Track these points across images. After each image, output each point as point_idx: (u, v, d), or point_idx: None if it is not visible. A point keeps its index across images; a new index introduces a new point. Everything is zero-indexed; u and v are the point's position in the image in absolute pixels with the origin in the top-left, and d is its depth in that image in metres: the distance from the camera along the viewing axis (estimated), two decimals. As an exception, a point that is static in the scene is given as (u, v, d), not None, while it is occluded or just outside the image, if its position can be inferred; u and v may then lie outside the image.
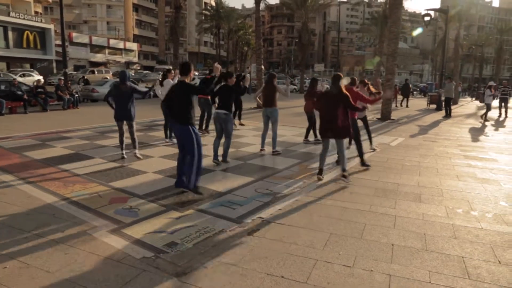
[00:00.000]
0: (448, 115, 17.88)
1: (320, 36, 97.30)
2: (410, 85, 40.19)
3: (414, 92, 39.26)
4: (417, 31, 15.83)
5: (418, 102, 27.98)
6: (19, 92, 15.16)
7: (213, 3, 72.22)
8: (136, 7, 67.76)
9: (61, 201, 4.86)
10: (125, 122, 7.38)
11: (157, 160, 7.36)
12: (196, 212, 4.61)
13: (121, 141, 7.46)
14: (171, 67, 12.37)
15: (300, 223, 4.32)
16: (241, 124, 12.25)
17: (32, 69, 31.57)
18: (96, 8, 63.00)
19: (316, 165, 7.09)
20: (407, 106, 23.29)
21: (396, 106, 22.41)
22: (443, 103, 18.89)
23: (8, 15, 33.31)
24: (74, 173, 6.26)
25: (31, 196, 5.05)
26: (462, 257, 3.58)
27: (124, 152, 7.41)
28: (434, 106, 21.77)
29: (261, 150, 8.26)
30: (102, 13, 63.38)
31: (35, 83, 18.00)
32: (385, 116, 15.37)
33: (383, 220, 4.45)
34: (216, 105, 7.13)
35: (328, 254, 3.57)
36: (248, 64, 65.42)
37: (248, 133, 10.77)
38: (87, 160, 7.24)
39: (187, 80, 5.28)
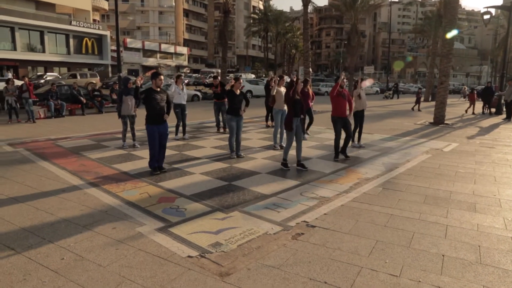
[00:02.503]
0: (508, 118, 16.73)
1: (370, 37, 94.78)
2: (466, 88, 38.14)
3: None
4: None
5: (476, 106, 26.33)
6: (80, 96, 16.17)
7: (261, 7, 72.94)
8: (186, 13, 69.93)
9: (114, 199, 5.12)
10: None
11: (204, 161, 7.54)
12: (241, 213, 4.66)
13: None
14: (181, 74, 13.12)
15: (345, 228, 4.23)
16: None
17: (91, 71, 33.55)
18: (149, 15, 65.79)
19: (364, 169, 6.94)
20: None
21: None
22: (503, 106, 17.65)
23: (70, 24, 35.70)
24: (126, 172, 6.58)
25: (87, 193, 5.37)
26: (522, 272, 3.33)
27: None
28: (493, 110, 20.40)
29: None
30: (154, 19, 66.07)
31: (90, 87, 19.12)
32: (439, 120, 14.66)
33: (433, 229, 4.25)
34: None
35: (373, 261, 3.47)
36: (296, 67, 65.22)
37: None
38: (138, 160, 7.56)
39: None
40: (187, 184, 5.93)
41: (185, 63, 62.85)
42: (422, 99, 23.58)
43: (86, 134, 10.75)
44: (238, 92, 7.83)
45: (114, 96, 17.34)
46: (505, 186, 6.08)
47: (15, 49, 31.80)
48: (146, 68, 51.23)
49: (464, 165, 7.52)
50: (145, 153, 8.25)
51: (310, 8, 20.63)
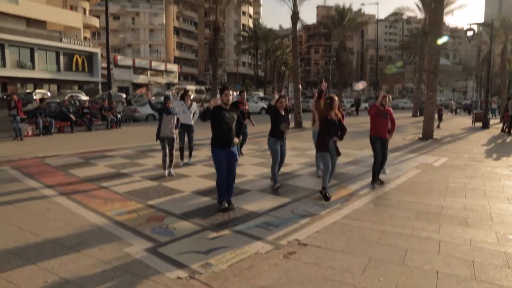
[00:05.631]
0: (509, 132, 16.92)
1: (358, 54, 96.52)
2: (453, 102, 38.70)
3: (458, 110, 37.68)
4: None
5: (462, 120, 26.81)
6: (69, 114, 16.02)
7: (251, 25, 73.88)
8: (177, 30, 70.46)
9: (101, 218, 5.00)
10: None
11: (194, 179, 7.45)
12: (232, 233, 4.57)
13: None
14: (189, 89, 12.18)
15: (337, 246, 4.17)
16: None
17: (79, 91, 33.38)
18: (139, 32, 66.14)
19: (355, 186, 6.92)
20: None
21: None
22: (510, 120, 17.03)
23: (61, 41, 35.69)
24: (114, 191, 6.45)
25: (73, 212, 5.24)
26: (516, 288, 3.29)
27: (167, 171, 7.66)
28: (479, 124, 20.72)
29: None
30: (145, 36, 66.40)
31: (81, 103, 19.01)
32: (427, 135, 14.81)
33: (426, 245, 4.21)
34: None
35: (367, 280, 3.40)
36: (286, 83, 65.78)
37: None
38: (127, 178, 7.45)
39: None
40: (177, 202, 5.84)
41: (176, 80, 63.01)
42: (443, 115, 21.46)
43: (74, 152, 10.59)
44: (283, 111, 6.66)
45: (106, 114, 17.26)
46: (495, 200, 6.10)
47: (4, 66, 31.60)
48: (137, 86, 51.17)
49: (454, 180, 7.55)
50: (134, 169, 8.14)
51: (299, 25, 20.93)
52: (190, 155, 9.07)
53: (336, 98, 6.06)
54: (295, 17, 19.53)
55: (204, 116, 5.28)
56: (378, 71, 50.93)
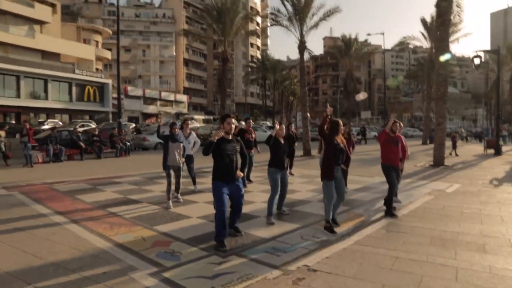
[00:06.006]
0: None
1: (365, 83, 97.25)
2: (463, 129, 38.36)
3: (468, 138, 37.32)
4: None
5: (473, 148, 26.47)
6: (79, 141, 16.20)
7: (259, 56, 75.35)
8: (186, 62, 72.09)
9: (106, 243, 4.90)
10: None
11: (201, 205, 7.34)
12: (239, 258, 4.43)
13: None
14: (188, 118, 11.60)
15: (349, 272, 4.00)
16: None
17: (90, 120, 33.91)
18: (150, 64, 67.80)
19: (366, 213, 6.73)
20: None
21: None
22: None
23: (73, 72, 36.66)
24: (121, 216, 6.38)
25: (79, 236, 5.16)
26: (542, 317, 3.08)
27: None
28: (491, 151, 20.43)
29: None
30: (155, 68, 68.00)
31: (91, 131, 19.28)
32: (438, 161, 14.58)
33: (443, 272, 4.01)
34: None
35: (381, 307, 3.22)
36: (294, 113, 66.20)
37: (294, 180, 10.57)
38: (134, 204, 7.37)
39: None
40: (184, 227, 5.72)
41: (185, 110, 63.87)
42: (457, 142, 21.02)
43: (83, 178, 10.60)
44: (282, 140, 6.35)
45: (116, 140, 17.41)
46: (513, 227, 5.87)
47: (19, 96, 32.41)
48: (147, 115, 51.90)
49: (469, 206, 7.32)
50: (141, 196, 8.08)
51: (306, 56, 21.22)
52: (194, 183, 8.76)
53: (341, 122, 5.83)
54: (302, 46, 19.87)
55: (207, 150, 4.93)
56: (386, 100, 51.09)
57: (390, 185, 6.58)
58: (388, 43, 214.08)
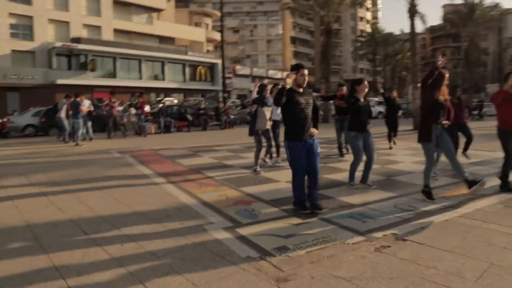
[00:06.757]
0: None
1: (494, 55, 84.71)
2: None
3: None
4: None
5: None
6: (187, 115, 17.38)
7: (369, 30, 71.15)
8: (293, 40, 71.72)
9: (191, 199, 5.03)
10: None
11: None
12: (320, 220, 4.10)
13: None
14: (266, 83, 11.02)
15: (447, 245, 3.37)
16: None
17: (202, 98, 36.26)
18: (257, 44, 69.19)
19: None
20: None
21: None
22: None
23: (186, 54, 39.37)
24: (212, 177, 6.51)
25: (168, 193, 5.40)
26: None
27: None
28: None
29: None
30: (262, 47, 69.17)
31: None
32: None
33: None
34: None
35: None
36: (407, 89, 61.30)
37: (398, 152, 9.67)
38: (227, 168, 7.49)
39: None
40: (269, 190, 5.58)
41: (291, 88, 63.93)
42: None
43: (186, 146, 11.27)
44: (363, 100, 5.67)
45: (222, 113, 18.26)
46: None
47: (141, 78, 36.15)
48: (254, 93, 53.33)
49: None
50: (236, 162, 8.20)
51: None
52: (278, 154, 7.98)
53: (447, 75, 4.92)
54: (412, 9, 17.85)
55: (279, 97, 4.26)
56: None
57: (507, 154, 5.40)
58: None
